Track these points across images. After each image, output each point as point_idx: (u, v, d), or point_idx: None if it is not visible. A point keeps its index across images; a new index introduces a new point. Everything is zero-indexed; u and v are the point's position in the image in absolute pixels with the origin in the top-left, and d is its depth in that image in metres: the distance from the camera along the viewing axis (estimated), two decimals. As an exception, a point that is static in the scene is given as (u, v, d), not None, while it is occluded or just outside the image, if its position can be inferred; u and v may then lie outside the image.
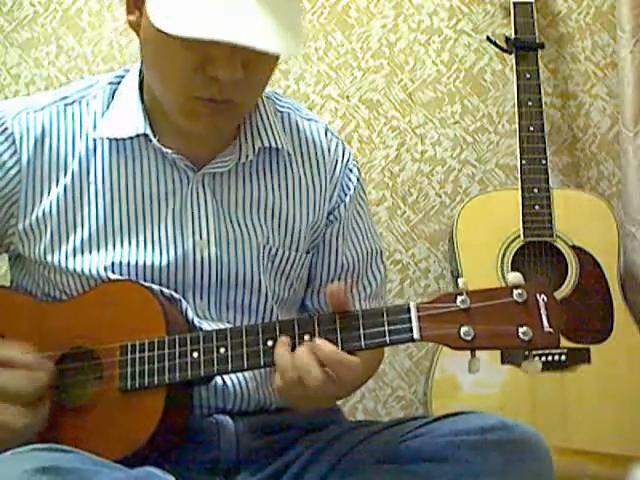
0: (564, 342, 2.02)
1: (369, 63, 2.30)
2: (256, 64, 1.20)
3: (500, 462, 1.16)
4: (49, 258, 1.30)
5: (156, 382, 1.19)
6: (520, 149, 2.10)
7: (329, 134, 1.44)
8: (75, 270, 1.29)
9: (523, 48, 2.16)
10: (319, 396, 1.14)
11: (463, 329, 1.10)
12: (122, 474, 1.09)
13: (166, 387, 1.19)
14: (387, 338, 1.13)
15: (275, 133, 1.36)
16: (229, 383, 1.30)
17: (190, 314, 1.29)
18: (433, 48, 2.30)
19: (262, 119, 1.36)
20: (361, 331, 1.14)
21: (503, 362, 2.01)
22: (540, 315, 1.11)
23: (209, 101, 1.21)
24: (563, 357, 2.01)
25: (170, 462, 1.21)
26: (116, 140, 1.32)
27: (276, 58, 1.24)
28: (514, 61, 2.17)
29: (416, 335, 1.11)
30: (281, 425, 1.34)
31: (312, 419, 1.35)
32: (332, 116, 2.28)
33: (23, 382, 1.18)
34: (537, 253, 2.08)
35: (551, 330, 1.10)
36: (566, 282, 2.05)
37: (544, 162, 2.09)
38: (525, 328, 1.10)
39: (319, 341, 1.13)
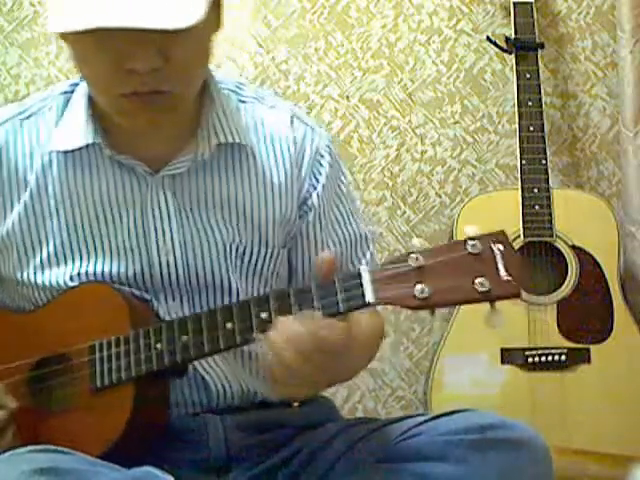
0: (564, 342, 2.02)
1: (369, 63, 2.29)
2: (174, 48, 1.16)
3: (499, 461, 1.15)
4: (18, 275, 1.31)
5: (124, 377, 1.19)
6: (520, 149, 2.10)
7: (295, 122, 1.39)
8: (44, 284, 1.29)
9: (523, 48, 2.16)
10: (314, 367, 1.10)
11: (418, 287, 1.05)
12: (120, 474, 1.10)
13: (135, 382, 1.19)
14: (341, 306, 1.10)
15: (233, 128, 1.33)
16: (208, 378, 1.30)
17: (162, 313, 1.29)
18: (433, 48, 2.30)
19: (219, 115, 1.32)
20: (315, 303, 1.11)
21: (503, 362, 2.01)
22: (496, 264, 1.05)
23: (134, 95, 1.18)
24: (563, 357, 2.01)
25: (168, 462, 1.21)
26: (70, 152, 1.30)
27: (197, 39, 1.19)
28: (514, 61, 2.17)
29: (370, 298, 1.08)
30: (274, 423, 1.33)
31: (307, 417, 1.35)
32: (332, 116, 2.28)
33: None
34: (537, 253, 2.08)
35: (509, 278, 1.04)
36: (566, 282, 2.05)
37: (544, 162, 2.09)
38: (481, 279, 1.04)
39: (299, 313, 1.10)
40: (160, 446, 1.24)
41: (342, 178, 1.43)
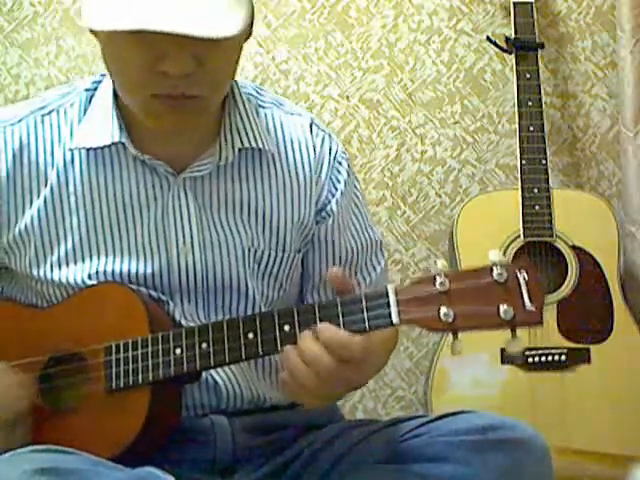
0: (564, 342, 2.02)
1: (369, 63, 2.29)
2: (209, 55, 1.17)
3: (500, 462, 1.16)
4: (34, 271, 1.31)
5: (140, 381, 1.19)
6: (520, 149, 2.10)
7: (314, 129, 1.40)
8: (60, 281, 1.29)
9: (523, 48, 2.16)
10: (332, 385, 1.12)
11: (443, 311, 1.07)
12: (122, 474, 1.10)
13: (151, 385, 1.19)
14: (366, 324, 1.11)
15: (256, 133, 1.34)
16: (220, 382, 1.30)
17: (177, 315, 1.29)
18: (433, 48, 2.30)
19: (242, 119, 1.34)
20: (340, 319, 1.12)
21: (503, 362, 2.01)
22: (521, 293, 1.07)
23: (167, 98, 1.18)
24: (563, 357, 2.01)
25: (169, 462, 1.21)
26: (93, 149, 1.30)
27: (232, 47, 1.21)
28: (514, 61, 2.16)
29: (395, 319, 1.10)
30: (279, 424, 1.33)
31: (310, 418, 1.35)
32: (332, 116, 2.28)
33: None
34: (537, 253, 2.08)
35: (533, 308, 1.07)
36: (566, 282, 2.05)
37: (544, 162, 2.09)
38: (506, 307, 1.06)
39: (320, 325, 1.11)
40: (166, 446, 1.24)
41: (356, 185, 1.44)
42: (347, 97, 2.29)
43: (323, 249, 1.39)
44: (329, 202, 1.39)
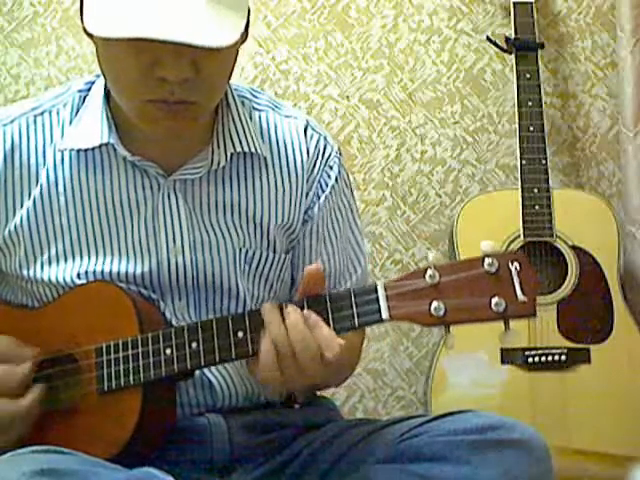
0: (564, 342, 2.02)
1: (369, 63, 2.29)
2: (206, 61, 1.16)
3: (499, 461, 1.16)
4: (25, 271, 1.30)
5: (132, 381, 1.19)
6: (520, 149, 2.10)
7: (309, 131, 1.39)
8: (50, 280, 1.29)
9: (523, 48, 2.16)
10: (303, 375, 1.12)
11: (434, 305, 1.06)
12: (121, 475, 1.10)
13: (143, 385, 1.19)
14: (356, 321, 1.11)
15: (249, 137, 1.33)
16: (214, 380, 1.30)
17: (168, 314, 1.29)
18: (433, 48, 2.30)
19: (235, 123, 1.33)
20: (329, 315, 1.11)
21: (503, 362, 2.01)
22: (513, 284, 1.05)
23: (162, 103, 1.18)
24: (563, 357, 2.01)
25: (167, 462, 1.21)
26: (83, 151, 1.30)
27: (229, 53, 1.20)
28: (514, 61, 2.16)
29: (385, 315, 1.09)
30: (277, 424, 1.33)
31: (309, 417, 1.35)
32: (332, 116, 2.28)
33: (5, 375, 1.19)
34: (537, 253, 2.08)
35: (525, 299, 1.05)
36: (566, 282, 2.05)
37: (544, 162, 2.09)
38: (498, 299, 1.05)
39: (307, 311, 1.12)
40: (164, 446, 1.24)
41: (345, 191, 1.43)
42: (347, 97, 2.29)
43: (301, 254, 1.39)
44: (313, 205, 1.38)
